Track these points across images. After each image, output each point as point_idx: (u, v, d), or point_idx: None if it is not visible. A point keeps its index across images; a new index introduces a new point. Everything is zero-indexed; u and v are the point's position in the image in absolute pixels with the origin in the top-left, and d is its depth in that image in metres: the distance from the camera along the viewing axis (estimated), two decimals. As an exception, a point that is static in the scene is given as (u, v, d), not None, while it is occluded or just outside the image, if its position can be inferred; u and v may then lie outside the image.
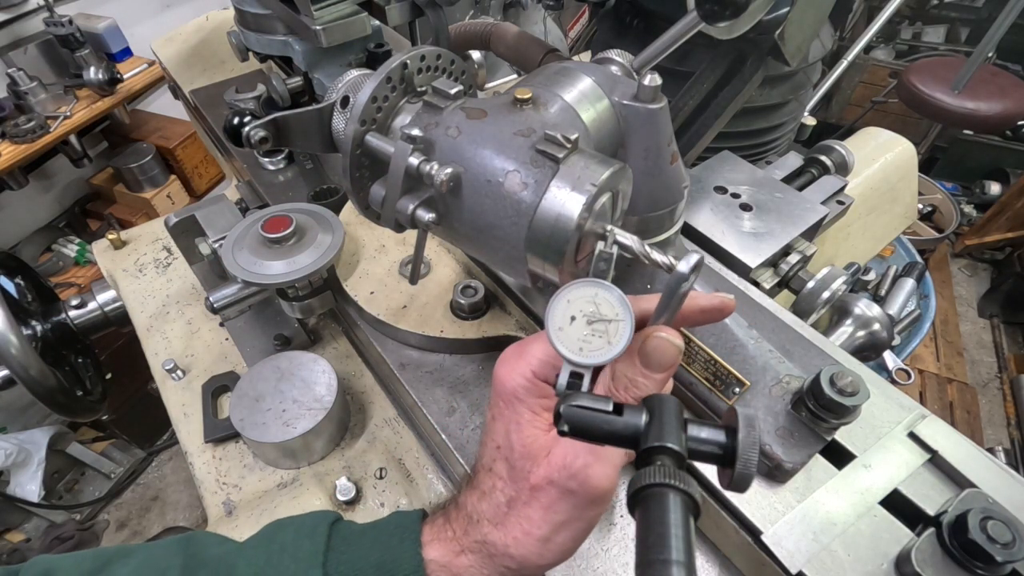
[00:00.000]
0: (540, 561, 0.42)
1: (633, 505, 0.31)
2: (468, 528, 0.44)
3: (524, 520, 0.42)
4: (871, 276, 1.42)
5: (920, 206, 2.90)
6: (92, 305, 1.16)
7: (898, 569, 0.53)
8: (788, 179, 1.00)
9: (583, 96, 0.56)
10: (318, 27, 0.88)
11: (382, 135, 0.56)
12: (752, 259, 0.82)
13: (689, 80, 0.88)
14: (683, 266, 0.39)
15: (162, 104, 2.57)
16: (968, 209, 3.19)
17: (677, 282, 0.40)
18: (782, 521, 0.56)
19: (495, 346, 0.83)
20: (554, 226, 0.47)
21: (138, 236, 1.29)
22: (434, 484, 0.82)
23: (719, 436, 0.35)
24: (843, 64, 1.55)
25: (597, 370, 0.42)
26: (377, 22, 0.96)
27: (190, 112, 1.48)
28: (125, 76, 2.11)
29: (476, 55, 1.04)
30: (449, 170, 0.49)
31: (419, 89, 0.59)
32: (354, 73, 0.63)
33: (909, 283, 1.55)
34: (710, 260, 0.82)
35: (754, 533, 0.57)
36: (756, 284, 0.83)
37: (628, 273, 0.67)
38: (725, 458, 0.35)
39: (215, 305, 0.90)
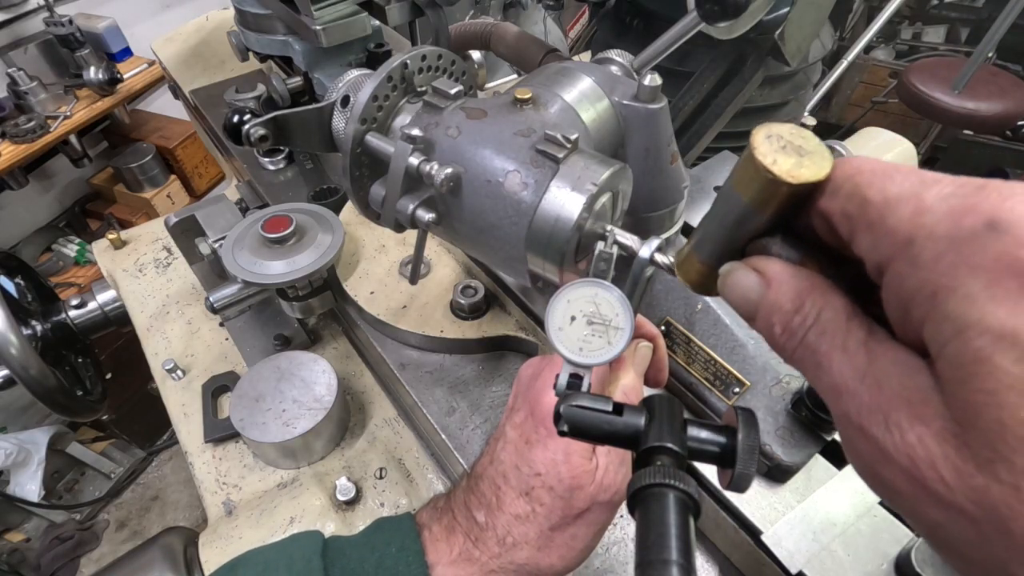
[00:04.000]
0: (575, 566, 0.44)
1: (633, 505, 0.31)
2: (501, 552, 0.43)
3: (569, 539, 0.43)
4: (871, 276, 1.41)
5: (920, 206, 2.88)
6: (92, 305, 1.16)
7: (898, 569, 0.53)
8: (788, 179, 1.00)
9: (583, 96, 0.56)
10: (318, 27, 0.88)
11: (382, 135, 0.56)
12: (752, 259, 0.82)
13: (689, 80, 0.88)
14: (644, 251, 0.43)
15: (162, 104, 2.57)
16: (968, 209, 3.18)
17: (640, 267, 0.41)
18: (782, 521, 0.56)
19: (495, 346, 0.83)
20: (554, 226, 0.46)
21: (138, 236, 1.29)
22: (434, 484, 0.82)
23: (719, 436, 0.35)
24: (843, 64, 1.55)
25: None
26: (377, 22, 0.96)
27: (190, 112, 1.48)
28: (125, 76, 2.11)
29: (476, 55, 1.04)
30: (449, 170, 0.49)
31: (419, 89, 0.59)
32: (354, 73, 0.63)
33: (909, 283, 1.54)
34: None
35: (754, 533, 0.57)
36: (756, 284, 0.83)
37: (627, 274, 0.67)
38: (725, 458, 0.34)
39: (215, 305, 0.90)
